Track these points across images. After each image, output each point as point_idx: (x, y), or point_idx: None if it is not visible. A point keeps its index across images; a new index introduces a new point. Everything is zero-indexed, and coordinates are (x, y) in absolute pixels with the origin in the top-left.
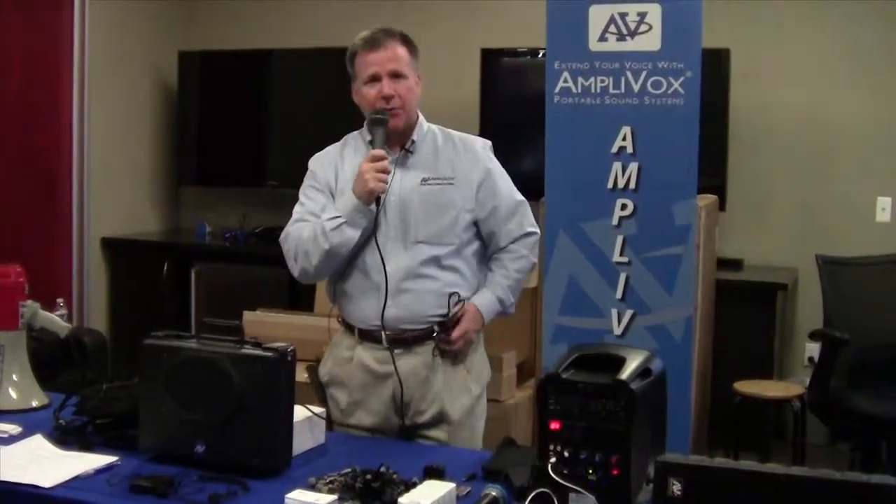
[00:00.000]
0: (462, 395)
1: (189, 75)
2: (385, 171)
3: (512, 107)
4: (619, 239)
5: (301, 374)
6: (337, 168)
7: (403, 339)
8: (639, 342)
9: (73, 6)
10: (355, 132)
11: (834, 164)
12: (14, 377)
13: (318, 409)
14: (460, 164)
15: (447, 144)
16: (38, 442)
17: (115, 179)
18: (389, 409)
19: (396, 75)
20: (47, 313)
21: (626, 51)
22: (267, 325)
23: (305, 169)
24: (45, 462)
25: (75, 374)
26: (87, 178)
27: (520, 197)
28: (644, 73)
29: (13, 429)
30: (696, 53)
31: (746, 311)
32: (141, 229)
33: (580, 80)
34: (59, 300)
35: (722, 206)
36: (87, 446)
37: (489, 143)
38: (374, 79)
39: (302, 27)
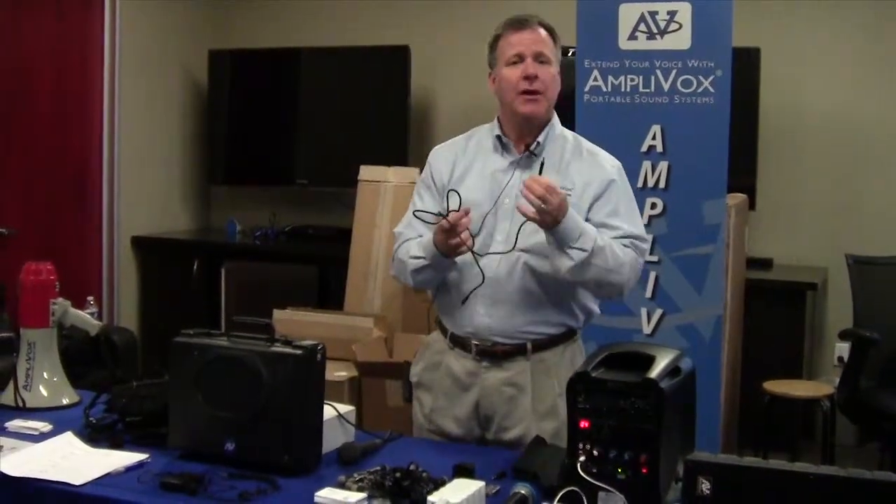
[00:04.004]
0: (549, 418)
1: (219, 74)
2: (455, 234)
3: None
4: (649, 238)
5: (331, 373)
6: (455, 162)
7: (493, 352)
8: (668, 341)
9: (104, 6)
10: (485, 125)
11: (864, 163)
12: (45, 375)
13: (346, 408)
14: (581, 174)
15: (575, 153)
16: (69, 439)
17: (145, 178)
18: (472, 419)
19: (541, 59)
20: (78, 311)
21: (656, 49)
22: (297, 324)
23: (335, 167)
24: (75, 459)
25: (105, 373)
26: (118, 177)
27: (639, 230)
28: (674, 72)
29: (43, 426)
30: (727, 52)
31: (776, 311)
32: (171, 228)
33: (610, 78)
34: (90, 298)
35: (752, 205)
36: (117, 444)
37: (619, 163)
38: (519, 59)
39: (332, 25)
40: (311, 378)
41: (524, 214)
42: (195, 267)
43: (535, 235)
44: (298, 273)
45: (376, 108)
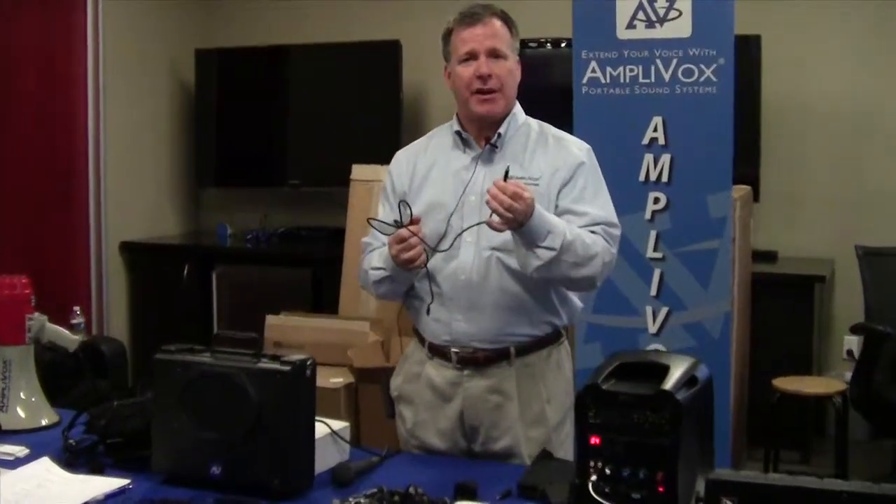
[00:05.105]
0: (537, 426)
1: (206, 73)
2: (410, 248)
3: (536, 99)
4: (653, 234)
5: (327, 380)
6: (416, 164)
7: (474, 359)
8: (675, 340)
9: (87, 5)
10: (445, 124)
11: (869, 151)
12: (21, 395)
13: (340, 425)
14: (548, 162)
15: (540, 142)
16: (45, 465)
17: (133, 182)
18: (457, 431)
19: (495, 54)
20: (55, 326)
21: (655, 38)
22: (290, 329)
23: (327, 167)
24: (51, 487)
25: (90, 386)
26: (105, 181)
27: (608, 215)
28: (675, 61)
29: (19, 451)
30: (729, 39)
31: (783, 305)
32: (160, 232)
33: (608, 69)
34: (76, 308)
35: (755, 196)
36: (97, 468)
37: (588, 146)
38: (471, 56)
39: (320, 21)
40: (300, 395)
41: (494, 229)
42: (185, 272)
43: (505, 231)
44: (292, 276)
45: (368, 105)
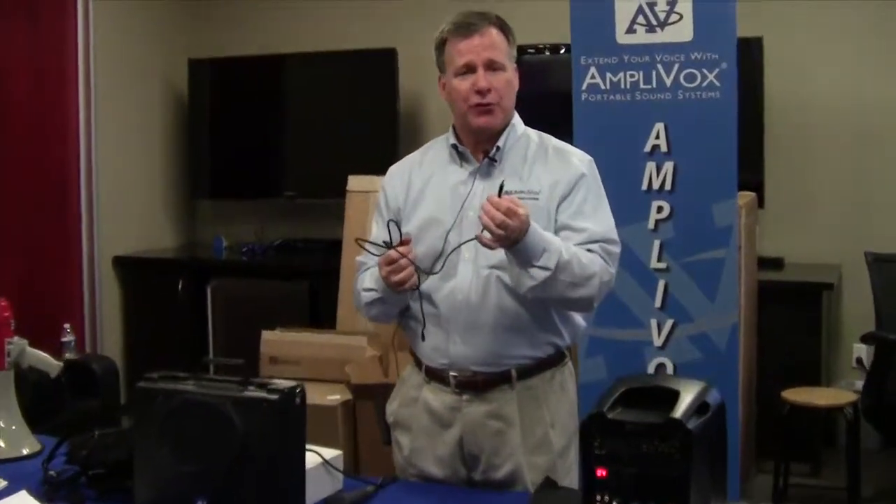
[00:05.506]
0: (541, 452)
1: (200, 84)
2: (399, 270)
3: (535, 107)
4: (656, 243)
5: (324, 397)
6: (410, 179)
7: (473, 383)
8: (680, 353)
9: (77, 14)
10: (441, 136)
11: (876, 152)
12: (1, 423)
13: (333, 453)
14: (548, 175)
15: (539, 154)
16: (23, 499)
17: (125, 195)
18: (456, 458)
19: (493, 66)
20: (36, 351)
21: (656, 42)
22: (287, 345)
23: (323, 177)
24: None
25: (70, 415)
26: (97, 195)
27: (607, 231)
28: (676, 66)
29: None
30: (731, 43)
31: (790, 313)
32: (154, 246)
33: (608, 75)
34: (66, 326)
35: (760, 202)
36: (77, 502)
37: (589, 157)
38: (469, 69)
39: (315, 30)
40: (289, 424)
41: (486, 246)
42: (180, 286)
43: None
44: (288, 289)
45: (364, 115)
